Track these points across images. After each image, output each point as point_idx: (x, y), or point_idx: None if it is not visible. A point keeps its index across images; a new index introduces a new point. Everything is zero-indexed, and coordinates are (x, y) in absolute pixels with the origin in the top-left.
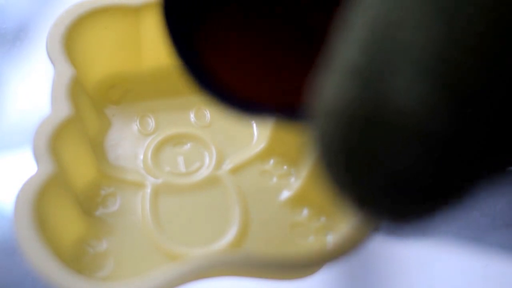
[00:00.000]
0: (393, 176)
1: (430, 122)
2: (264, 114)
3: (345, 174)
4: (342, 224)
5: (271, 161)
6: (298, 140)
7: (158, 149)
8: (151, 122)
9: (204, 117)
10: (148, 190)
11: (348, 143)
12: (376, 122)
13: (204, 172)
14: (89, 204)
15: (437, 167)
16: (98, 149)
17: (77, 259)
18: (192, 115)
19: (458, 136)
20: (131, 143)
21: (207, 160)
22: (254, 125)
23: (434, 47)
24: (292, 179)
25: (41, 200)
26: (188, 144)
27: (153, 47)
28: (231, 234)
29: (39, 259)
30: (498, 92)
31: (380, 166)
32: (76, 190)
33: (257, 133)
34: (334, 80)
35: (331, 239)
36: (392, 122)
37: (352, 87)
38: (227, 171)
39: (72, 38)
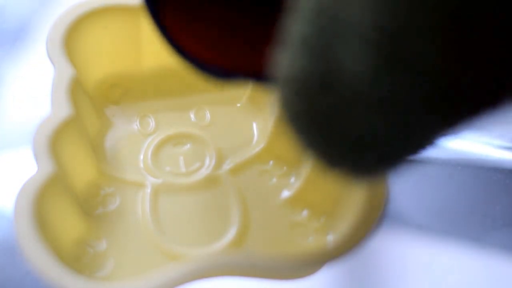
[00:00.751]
0: (346, 133)
1: (372, 85)
2: (236, 78)
3: (305, 133)
4: (342, 224)
5: (271, 162)
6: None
7: (158, 149)
8: (151, 122)
9: (204, 117)
10: (148, 190)
11: (304, 106)
12: (327, 87)
13: (204, 172)
14: (89, 204)
15: (381, 123)
16: (98, 149)
17: (77, 259)
18: (192, 115)
19: (395, 96)
20: (131, 143)
21: (207, 160)
22: (254, 125)
23: (372, 19)
24: (292, 179)
25: (41, 200)
26: (188, 144)
27: (153, 47)
28: (231, 234)
29: (39, 259)
30: (428, 57)
31: (334, 124)
32: (76, 190)
33: (257, 133)
34: (288, 50)
35: (331, 239)
36: (341, 87)
37: (303, 56)
38: (227, 171)
39: (72, 38)
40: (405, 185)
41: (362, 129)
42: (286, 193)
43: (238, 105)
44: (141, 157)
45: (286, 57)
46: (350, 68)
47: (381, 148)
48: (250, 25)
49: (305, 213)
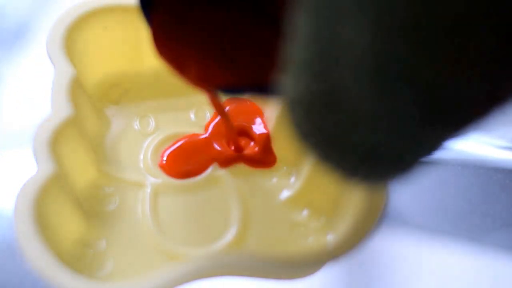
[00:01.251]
0: (355, 147)
1: (372, 101)
2: (238, 94)
3: (317, 149)
4: (342, 224)
5: None
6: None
7: (158, 149)
8: (151, 122)
9: (204, 117)
10: (148, 190)
11: (312, 125)
12: (331, 106)
13: (204, 172)
14: (89, 204)
15: (386, 135)
16: (98, 149)
17: (77, 259)
18: (192, 115)
19: (395, 111)
20: (131, 143)
21: None
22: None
23: (366, 42)
24: (292, 179)
25: (41, 200)
26: None
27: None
28: (231, 234)
29: (39, 259)
30: (422, 73)
31: (343, 140)
32: (76, 190)
33: None
34: (290, 72)
35: (331, 239)
36: (344, 105)
37: (305, 78)
38: (227, 171)
39: (72, 38)
40: (405, 185)
41: (369, 142)
42: (286, 193)
43: None
44: (141, 157)
45: (288, 79)
46: (350, 87)
47: (390, 158)
48: (239, 41)
49: (305, 213)
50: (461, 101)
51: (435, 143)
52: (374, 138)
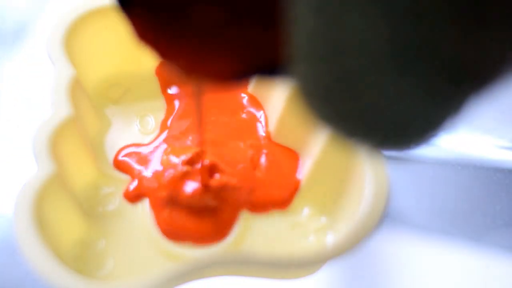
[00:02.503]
0: (377, 123)
1: (390, 84)
2: (243, 80)
3: (334, 126)
4: (342, 224)
5: None
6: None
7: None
8: (151, 122)
9: None
10: None
11: (330, 109)
12: (349, 93)
13: None
14: (89, 204)
15: (403, 109)
16: (98, 149)
17: (77, 259)
18: None
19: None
20: (131, 143)
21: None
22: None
23: (381, 36)
24: None
25: (41, 200)
26: None
27: None
28: (231, 234)
29: (39, 259)
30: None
31: (364, 119)
32: (76, 190)
33: None
34: (300, 63)
35: (331, 239)
36: (363, 91)
37: (316, 70)
38: None
39: (72, 38)
40: (405, 185)
41: (395, 116)
42: None
43: None
44: None
45: (299, 70)
46: (368, 73)
47: (418, 126)
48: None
49: (305, 213)
50: (484, 60)
51: (462, 103)
52: (399, 111)
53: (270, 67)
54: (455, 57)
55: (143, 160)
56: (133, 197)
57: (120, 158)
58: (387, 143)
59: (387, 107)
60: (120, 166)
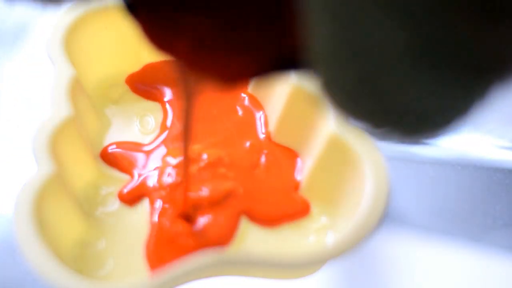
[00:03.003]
0: (402, 116)
1: (411, 81)
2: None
3: (358, 118)
4: (342, 224)
5: None
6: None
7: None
8: (151, 122)
9: None
10: None
11: (353, 105)
12: (371, 93)
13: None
14: (89, 204)
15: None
16: (98, 149)
17: (77, 259)
18: None
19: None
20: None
21: None
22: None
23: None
24: None
25: (41, 200)
26: None
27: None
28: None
29: (39, 259)
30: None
31: (389, 113)
32: (76, 190)
33: None
34: (319, 62)
35: (331, 239)
36: (385, 88)
37: (337, 70)
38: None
39: (72, 38)
40: (405, 185)
41: (419, 106)
42: None
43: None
44: None
45: (319, 68)
46: (388, 73)
47: (443, 112)
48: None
49: None
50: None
51: (485, 91)
52: (423, 104)
53: (286, 63)
54: (475, 50)
55: (136, 158)
56: (129, 200)
57: (110, 150)
58: (415, 134)
59: (412, 102)
60: (107, 158)
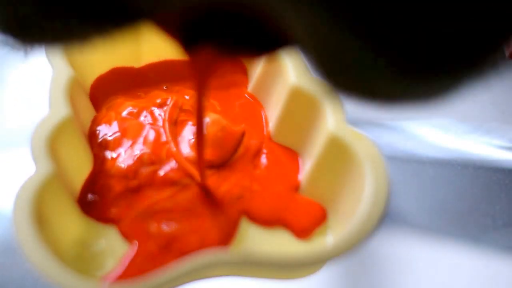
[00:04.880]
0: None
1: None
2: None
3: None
4: (342, 224)
5: None
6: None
7: None
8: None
9: None
10: None
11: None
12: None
13: None
14: None
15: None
16: None
17: (77, 259)
18: None
19: None
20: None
21: None
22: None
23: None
24: None
25: (40, 200)
26: None
27: (153, 46)
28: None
29: (39, 259)
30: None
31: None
32: (75, 190)
33: None
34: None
35: (331, 239)
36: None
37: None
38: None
39: None
40: (405, 185)
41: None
42: None
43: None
44: None
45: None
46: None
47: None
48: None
49: None
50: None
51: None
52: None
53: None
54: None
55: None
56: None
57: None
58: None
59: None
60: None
